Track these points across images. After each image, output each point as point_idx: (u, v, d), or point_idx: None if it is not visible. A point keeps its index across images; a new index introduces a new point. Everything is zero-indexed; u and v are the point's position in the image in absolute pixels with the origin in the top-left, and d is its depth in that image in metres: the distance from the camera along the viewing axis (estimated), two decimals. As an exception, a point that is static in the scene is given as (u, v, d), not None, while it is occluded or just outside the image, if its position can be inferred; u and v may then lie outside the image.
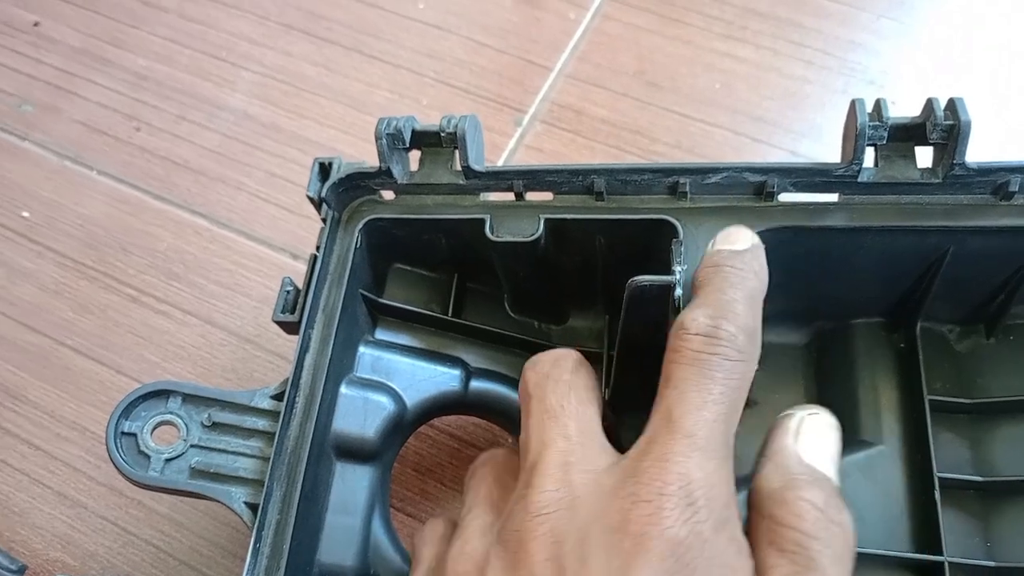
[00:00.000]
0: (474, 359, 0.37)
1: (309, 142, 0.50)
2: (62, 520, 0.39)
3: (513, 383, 0.37)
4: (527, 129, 0.50)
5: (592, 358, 0.36)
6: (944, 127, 0.30)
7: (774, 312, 0.37)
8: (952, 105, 0.30)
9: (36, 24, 0.55)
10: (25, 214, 0.48)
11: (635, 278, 0.27)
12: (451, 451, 0.40)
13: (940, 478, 0.33)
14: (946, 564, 0.31)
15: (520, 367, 0.37)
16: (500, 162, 0.49)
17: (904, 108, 0.31)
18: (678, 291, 0.26)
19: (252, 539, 0.29)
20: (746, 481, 0.34)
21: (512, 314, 0.38)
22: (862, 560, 0.32)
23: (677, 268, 0.27)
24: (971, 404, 0.35)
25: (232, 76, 0.52)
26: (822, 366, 0.37)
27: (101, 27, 0.55)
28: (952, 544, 0.32)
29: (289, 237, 0.47)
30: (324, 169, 0.35)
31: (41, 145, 0.50)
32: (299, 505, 0.30)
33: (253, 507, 0.30)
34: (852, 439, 0.35)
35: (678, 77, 0.52)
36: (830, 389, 0.37)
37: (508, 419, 0.37)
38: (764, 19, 0.54)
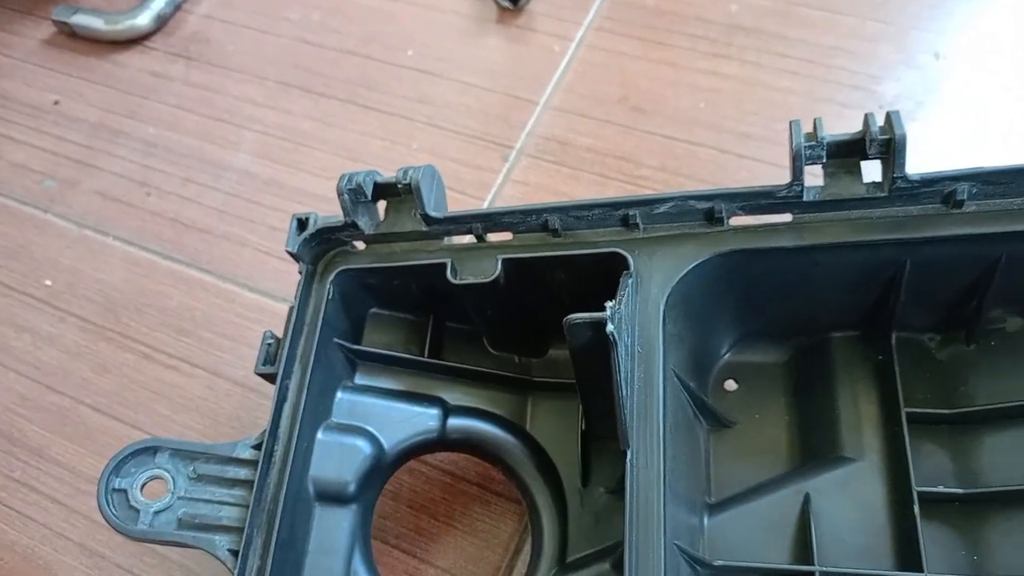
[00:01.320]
0: (454, 397, 0.38)
1: (308, 194, 0.52)
2: (82, 570, 0.41)
3: (494, 419, 0.38)
4: (514, 164, 0.52)
5: (572, 389, 0.37)
6: (881, 141, 0.30)
7: (751, 332, 0.38)
8: (888, 119, 0.30)
9: (56, 103, 0.59)
10: (48, 282, 0.51)
11: (569, 316, 0.28)
12: (444, 486, 0.41)
13: (919, 492, 0.32)
14: (927, 581, 0.31)
15: (501, 403, 0.38)
16: (488, 197, 0.50)
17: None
18: (610, 327, 0.27)
19: (233, 586, 0.30)
20: (739, 499, 0.34)
21: (492, 350, 0.39)
22: (841, 580, 0.32)
23: (609, 305, 0.27)
24: (952, 414, 0.34)
25: (235, 137, 0.55)
26: (802, 382, 0.37)
27: (116, 101, 0.58)
28: (936, 559, 0.32)
29: (292, 288, 0.48)
30: (302, 224, 0.37)
31: (62, 217, 0.54)
32: (276, 550, 0.31)
33: (236, 553, 0.31)
34: (834, 456, 0.35)
35: (662, 100, 0.52)
36: (810, 406, 0.36)
37: (491, 455, 0.38)
38: (749, 34, 0.54)
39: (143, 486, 0.33)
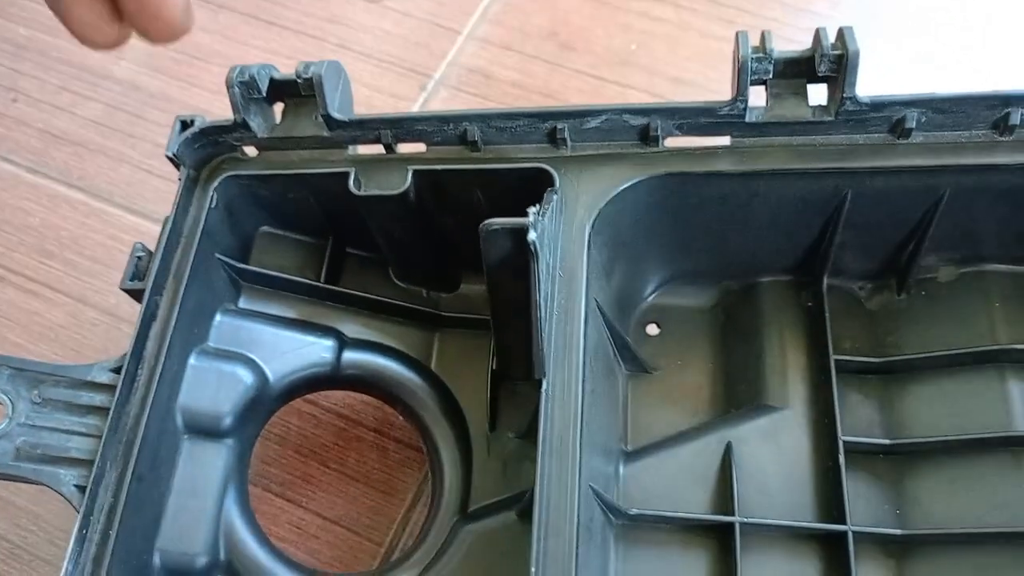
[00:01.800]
0: (352, 330, 0.34)
1: (200, 111, 0.46)
2: (-94, 516, 0.35)
3: (396, 355, 0.34)
4: (432, 94, 0.48)
5: (484, 326, 0.33)
6: (832, 57, 0.27)
7: (679, 272, 0.35)
8: (841, 35, 0.28)
9: (-91, -8, 0.52)
10: None
11: (487, 221, 0.25)
12: (337, 431, 0.37)
13: (845, 442, 0.31)
14: (849, 533, 0.29)
15: (404, 339, 0.35)
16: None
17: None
18: (531, 235, 0.24)
19: (77, 525, 0.26)
20: (657, 447, 0.32)
21: (397, 282, 0.36)
22: (764, 531, 0.30)
23: (531, 211, 0.24)
24: (880, 363, 0.33)
25: (119, 44, 0.49)
26: (728, 328, 0.35)
27: (-19, -5, 0.51)
28: (860, 512, 0.30)
29: (174, 210, 0.43)
30: (184, 125, 0.33)
31: (-92, 116, 0.47)
32: (131, 487, 0.27)
33: (82, 489, 0.27)
34: (758, 404, 0.33)
35: (593, 39, 0.49)
36: (736, 352, 0.34)
37: (390, 395, 0.34)
38: (684, -21, 0.52)
39: (-26, 410, 0.28)
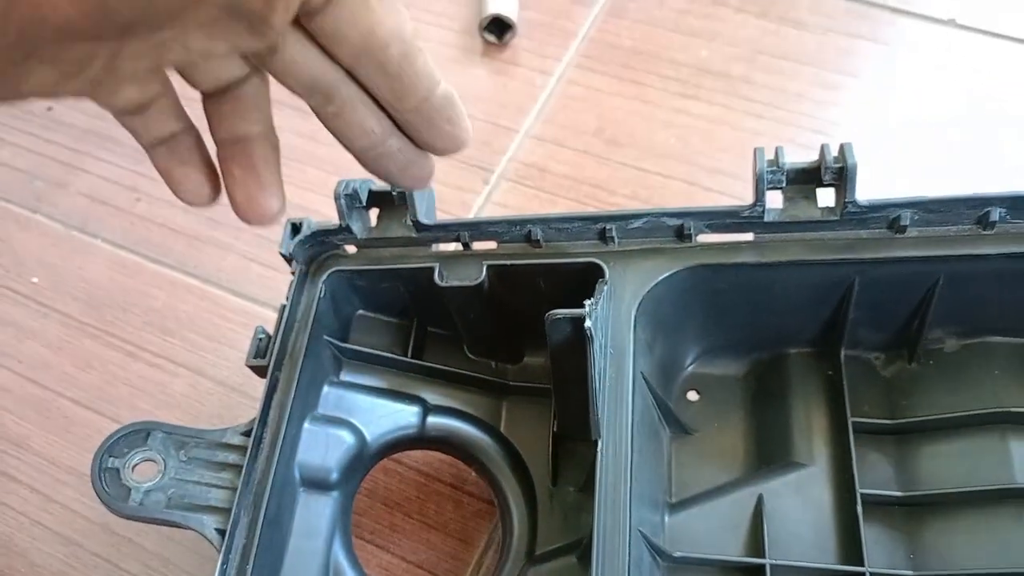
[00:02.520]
0: (433, 397, 0.40)
1: (295, 206, 0.53)
2: (58, 558, 0.42)
3: (471, 419, 0.40)
4: (494, 187, 0.54)
5: (545, 393, 0.39)
6: (834, 170, 0.33)
7: (714, 346, 0.41)
8: (842, 150, 0.33)
9: (49, 108, 0.60)
10: (34, 279, 0.52)
11: (550, 312, 0.30)
12: (418, 486, 0.43)
13: (863, 494, 0.35)
14: (867, 574, 0.33)
15: (477, 405, 0.40)
16: (469, 217, 0.53)
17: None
18: (587, 323, 0.29)
19: (219, 561, 0.32)
20: (698, 499, 0.37)
21: (470, 355, 0.41)
22: (791, 573, 0.34)
23: (587, 303, 0.30)
24: (894, 424, 0.37)
25: (225, 148, 0.57)
26: (759, 394, 0.40)
27: (108, 108, 0.60)
28: (877, 556, 0.34)
29: (274, 293, 0.50)
30: (295, 228, 0.39)
31: (50, 217, 0.55)
32: (262, 530, 0.32)
33: (222, 532, 0.33)
34: (786, 461, 0.37)
35: (636, 134, 0.56)
36: (767, 416, 0.39)
37: (466, 454, 0.40)
38: (717, 77, 0.58)
39: (135, 466, 0.34)
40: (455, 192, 0.54)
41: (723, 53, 0.59)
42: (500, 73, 0.60)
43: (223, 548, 0.32)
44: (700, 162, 0.54)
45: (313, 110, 0.27)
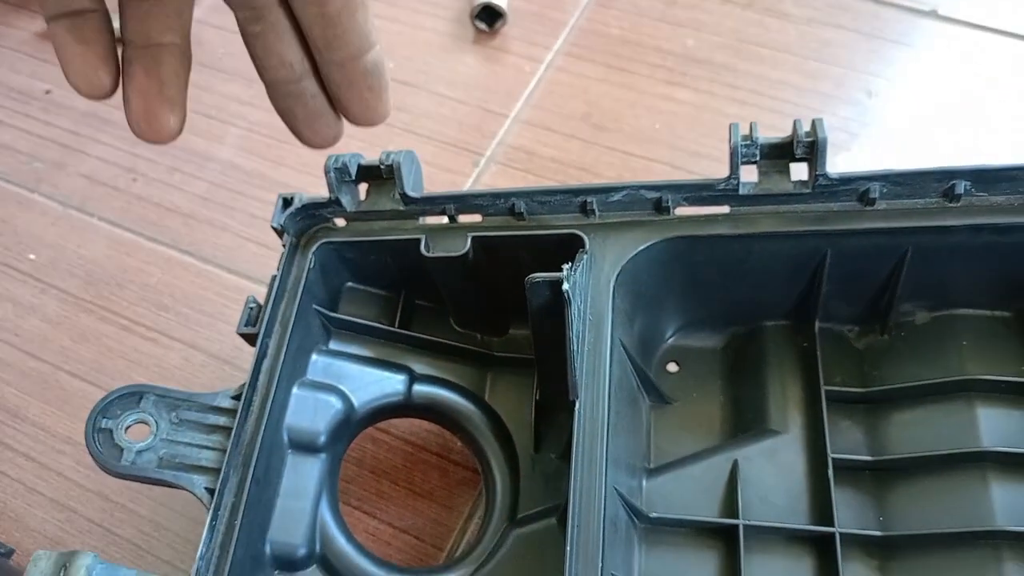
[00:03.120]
0: (420, 367, 0.41)
1: (289, 187, 0.55)
2: (53, 523, 0.43)
3: (456, 388, 0.41)
4: (483, 170, 0.55)
5: (529, 365, 0.40)
6: (806, 143, 0.34)
7: (693, 319, 0.42)
8: (813, 125, 0.34)
9: (48, 92, 0.62)
10: (32, 256, 0.53)
11: (531, 275, 0.32)
12: (405, 455, 0.44)
13: (834, 459, 0.36)
14: (837, 535, 0.34)
15: (463, 375, 0.41)
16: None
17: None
18: (565, 285, 0.30)
19: (208, 518, 0.33)
20: (675, 465, 0.38)
21: (457, 328, 0.43)
22: (764, 533, 0.36)
23: (566, 267, 0.31)
24: (865, 393, 0.38)
25: (221, 132, 0.58)
26: (736, 366, 0.41)
27: (106, 92, 0.61)
28: (847, 519, 0.36)
29: (267, 271, 0.51)
30: (286, 202, 0.40)
31: (48, 196, 0.56)
32: (250, 489, 0.34)
33: (211, 491, 0.34)
34: (761, 429, 0.38)
35: (621, 119, 0.57)
36: (743, 386, 0.40)
37: (451, 422, 0.41)
38: (702, 65, 0.60)
39: (127, 428, 0.35)
40: (445, 174, 0.55)
41: (709, 42, 0.61)
42: (490, 60, 0.61)
43: (212, 505, 0.33)
44: (684, 146, 0.55)
45: (238, 23, 0.26)
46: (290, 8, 0.25)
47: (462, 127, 0.58)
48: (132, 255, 0.53)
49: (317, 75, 0.27)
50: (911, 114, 0.55)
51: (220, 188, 0.55)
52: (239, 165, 0.56)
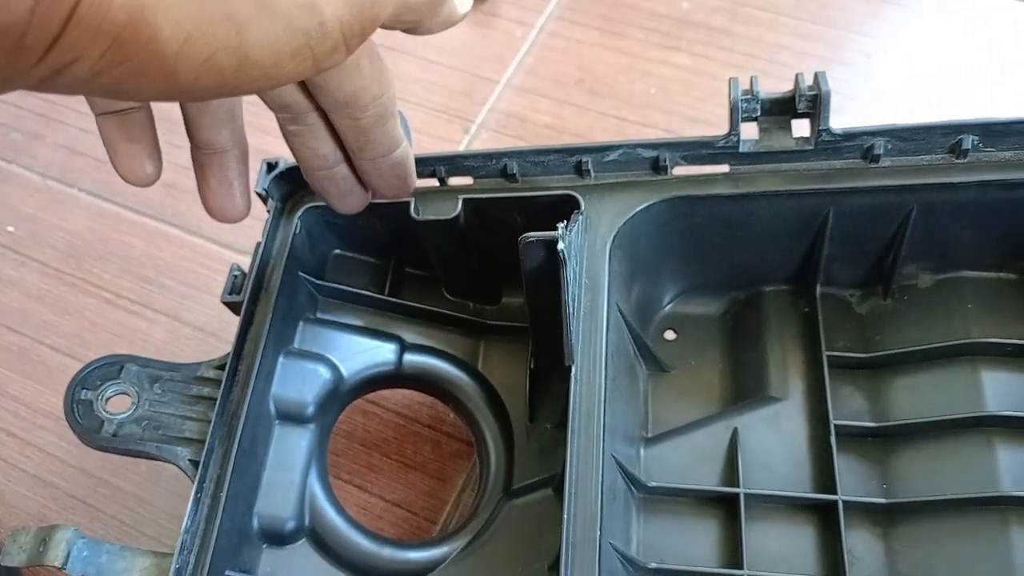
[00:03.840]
0: (411, 336, 0.40)
1: (273, 155, 0.54)
2: (36, 500, 0.42)
3: (448, 357, 0.40)
4: (475, 137, 0.54)
5: (523, 333, 0.39)
6: (809, 97, 0.33)
7: (692, 284, 0.41)
8: (816, 78, 0.33)
9: (25, 60, 0.60)
10: (11, 228, 0.52)
11: (525, 235, 0.30)
12: (396, 427, 0.43)
13: (836, 425, 0.35)
14: (840, 502, 0.34)
15: (455, 344, 0.40)
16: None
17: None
18: (560, 244, 0.29)
19: (193, 490, 0.32)
20: (673, 433, 0.37)
21: (449, 296, 0.41)
22: (765, 502, 0.35)
23: (560, 225, 0.30)
24: (867, 358, 0.37)
25: (203, 99, 0.57)
26: (736, 333, 0.40)
27: (85, 61, 0.59)
28: (850, 486, 0.35)
29: (252, 241, 0.49)
30: (271, 167, 0.39)
31: (27, 168, 0.54)
32: (236, 460, 0.32)
33: (196, 463, 0.33)
34: (762, 396, 0.37)
35: (616, 84, 0.56)
36: (743, 353, 0.39)
37: (443, 392, 0.40)
38: (698, 29, 0.58)
39: (108, 399, 0.34)
40: (436, 142, 0.54)
41: (705, 5, 0.59)
42: (481, 25, 0.60)
43: (197, 477, 0.32)
44: (680, 111, 0.54)
45: (278, 122, 0.29)
46: (326, 113, 0.28)
47: (453, 94, 0.56)
48: (114, 226, 0.51)
49: (348, 161, 0.30)
50: (909, 76, 0.54)
51: (204, 157, 0.54)
52: (223, 134, 0.55)
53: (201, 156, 0.30)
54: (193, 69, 0.19)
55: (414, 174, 0.32)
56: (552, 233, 0.30)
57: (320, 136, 0.29)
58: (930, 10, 0.57)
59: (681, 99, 0.55)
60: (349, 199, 0.32)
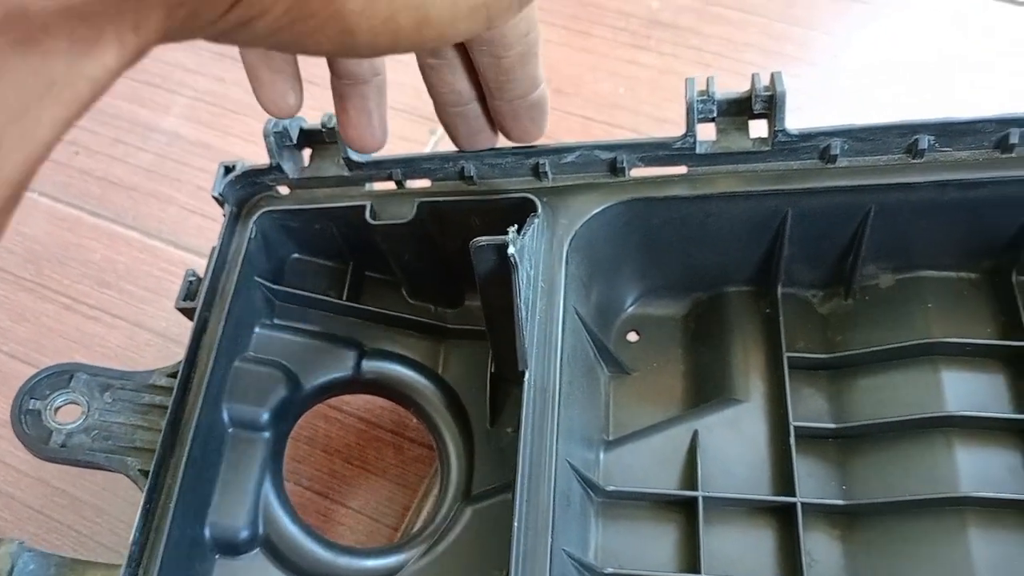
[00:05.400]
0: (371, 341, 0.39)
1: (236, 157, 0.53)
2: (-10, 510, 0.41)
3: (408, 362, 0.39)
4: (441, 138, 0.54)
5: (485, 337, 0.38)
6: (764, 98, 0.33)
7: (653, 286, 0.40)
8: (772, 79, 0.33)
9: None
10: (-33, 234, 0.51)
11: (475, 239, 0.30)
12: (359, 432, 0.42)
13: (796, 427, 0.35)
14: (798, 505, 0.33)
15: (416, 348, 0.40)
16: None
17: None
18: (511, 249, 0.29)
19: (142, 501, 0.31)
20: (634, 436, 0.36)
21: (410, 300, 0.41)
22: (724, 505, 0.35)
23: (511, 229, 0.29)
24: (828, 359, 0.37)
25: (166, 101, 0.56)
26: (699, 334, 0.40)
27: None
28: (810, 488, 0.35)
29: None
30: (228, 171, 0.38)
31: (-15, 171, 0.53)
32: (187, 470, 0.32)
33: (146, 473, 0.32)
34: (723, 398, 0.37)
35: (583, 84, 0.55)
36: (705, 355, 0.39)
37: (403, 397, 0.39)
38: (666, 28, 0.58)
39: (57, 409, 0.34)
40: (401, 143, 0.53)
41: (673, 5, 0.59)
42: (448, 25, 0.59)
43: (146, 488, 0.31)
44: (647, 111, 0.54)
45: (416, 55, 0.28)
46: (465, 48, 0.27)
47: (418, 93, 0.55)
48: (74, 231, 0.51)
49: (482, 99, 0.30)
50: (876, 75, 0.54)
51: (165, 160, 0.53)
52: (185, 136, 0.54)
53: (341, 87, 0.30)
54: (371, 28, 0.19)
55: (547, 117, 0.31)
56: (503, 237, 0.29)
57: (458, 71, 0.28)
58: (895, 9, 0.57)
59: (648, 99, 0.54)
60: (478, 138, 0.32)
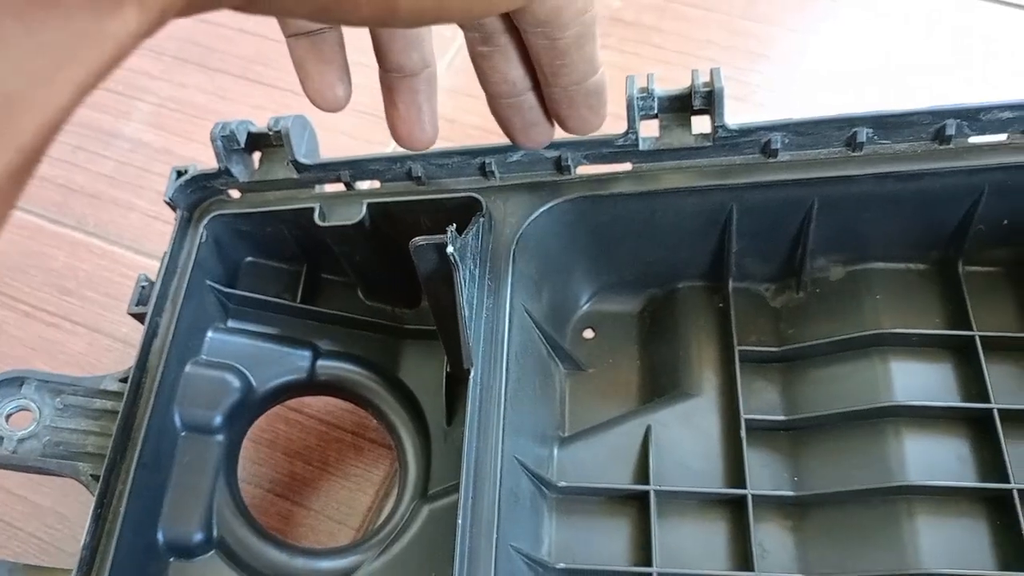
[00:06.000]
0: (326, 342, 0.39)
1: (199, 162, 0.53)
2: (-50, 520, 0.41)
3: (363, 363, 0.39)
4: (402, 139, 0.54)
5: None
6: (703, 94, 0.33)
7: (608, 283, 0.41)
8: (711, 74, 0.33)
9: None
10: (-74, 243, 0.51)
11: (415, 239, 0.30)
12: (319, 434, 0.42)
13: (747, 420, 0.35)
14: (749, 496, 0.34)
15: (372, 349, 0.40)
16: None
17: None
18: (450, 248, 0.29)
19: (93, 506, 0.31)
20: (588, 432, 0.36)
21: (366, 301, 0.41)
22: (676, 498, 0.35)
23: (450, 228, 0.30)
24: (780, 352, 0.37)
25: (127, 107, 0.56)
26: (654, 330, 0.40)
27: (8, 70, 0.58)
28: (760, 480, 0.35)
29: (177, 250, 0.49)
30: (180, 175, 0.39)
31: (-53, 180, 0.53)
32: (137, 474, 0.32)
33: (97, 478, 0.32)
34: (676, 393, 0.37)
35: (545, 83, 0.55)
36: (660, 350, 0.39)
37: (360, 397, 0.39)
38: (628, 27, 0.58)
39: (8, 416, 0.34)
40: (364, 145, 0.53)
41: (635, 3, 0.59)
42: (411, 26, 0.59)
43: (97, 492, 0.32)
44: (609, 110, 0.54)
45: (467, 41, 0.27)
46: (519, 33, 0.26)
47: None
48: (34, 238, 0.50)
49: (537, 89, 0.28)
50: (835, 70, 0.54)
51: (127, 166, 0.53)
52: (147, 142, 0.54)
53: (390, 80, 0.29)
54: None
55: (606, 105, 0.30)
56: (442, 237, 0.29)
57: (511, 59, 0.27)
58: (856, 5, 0.58)
59: (611, 97, 0.54)
60: (533, 132, 0.30)
